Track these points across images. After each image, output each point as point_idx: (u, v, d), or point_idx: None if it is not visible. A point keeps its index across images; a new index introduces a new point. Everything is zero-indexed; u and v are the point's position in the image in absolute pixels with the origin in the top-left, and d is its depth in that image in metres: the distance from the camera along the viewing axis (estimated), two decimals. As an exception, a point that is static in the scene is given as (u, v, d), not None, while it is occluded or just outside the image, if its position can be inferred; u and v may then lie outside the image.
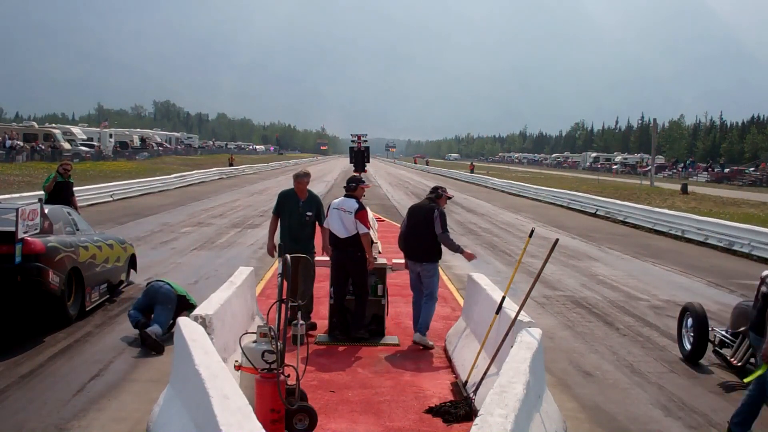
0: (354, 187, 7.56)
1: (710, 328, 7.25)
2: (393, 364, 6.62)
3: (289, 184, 8.07)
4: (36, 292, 7.01)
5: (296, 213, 7.64)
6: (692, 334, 7.31)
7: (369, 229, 7.53)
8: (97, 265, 8.58)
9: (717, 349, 7.26)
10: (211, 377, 3.79)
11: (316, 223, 7.77)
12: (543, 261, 5.34)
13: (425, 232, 7.23)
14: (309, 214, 7.67)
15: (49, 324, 7.45)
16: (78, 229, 8.69)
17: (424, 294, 7.32)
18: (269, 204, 26.58)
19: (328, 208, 7.55)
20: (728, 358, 6.97)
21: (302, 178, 7.73)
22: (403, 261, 7.88)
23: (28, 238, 7.10)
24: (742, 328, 6.84)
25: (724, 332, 7.25)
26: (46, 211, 7.88)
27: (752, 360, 6.59)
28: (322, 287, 8.65)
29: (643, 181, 48.06)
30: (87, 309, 8.15)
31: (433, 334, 7.66)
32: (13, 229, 6.89)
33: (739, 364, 6.76)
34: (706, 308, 7.48)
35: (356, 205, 7.37)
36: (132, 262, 10.22)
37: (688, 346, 7.38)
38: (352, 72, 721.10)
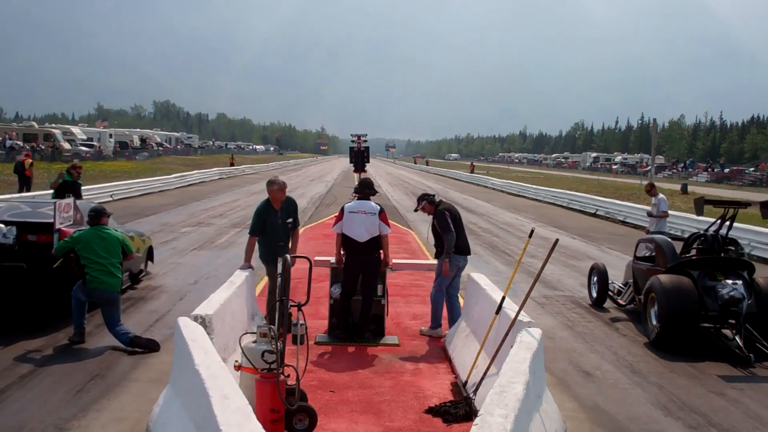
0: (371, 192, 7.53)
1: (610, 282, 9.84)
2: (393, 364, 6.61)
3: (289, 184, 8.00)
4: (70, 276, 7.47)
5: (276, 224, 7.28)
6: (596, 286, 9.87)
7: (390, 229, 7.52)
8: None
9: (613, 295, 9.70)
10: (211, 377, 3.79)
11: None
12: (543, 261, 5.33)
13: (464, 229, 7.73)
14: (290, 221, 7.39)
15: (62, 313, 7.66)
16: None
17: (457, 289, 7.76)
18: (269, 204, 26.59)
19: (341, 213, 7.39)
20: (618, 300, 9.58)
21: (275, 186, 7.28)
22: (403, 261, 7.90)
23: (64, 228, 8.01)
24: (630, 280, 9.42)
25: (619, 284, 9.90)
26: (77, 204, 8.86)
27: (633, 303, 9.19)
28: (322, 287, 8.65)
29: (643, 181, 47.87)
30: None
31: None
32: (51, 220, 7.91)
33: (624, 303, 9.45)
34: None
35: (378, 207, 7.38)
36: (150, 254, 10.95)
37: (594, 295, 9.92)
38: (352, 72, 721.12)
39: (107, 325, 7.09)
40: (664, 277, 7.85)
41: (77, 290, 7.13)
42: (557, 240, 5.77)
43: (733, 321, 7.54)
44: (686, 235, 9.48)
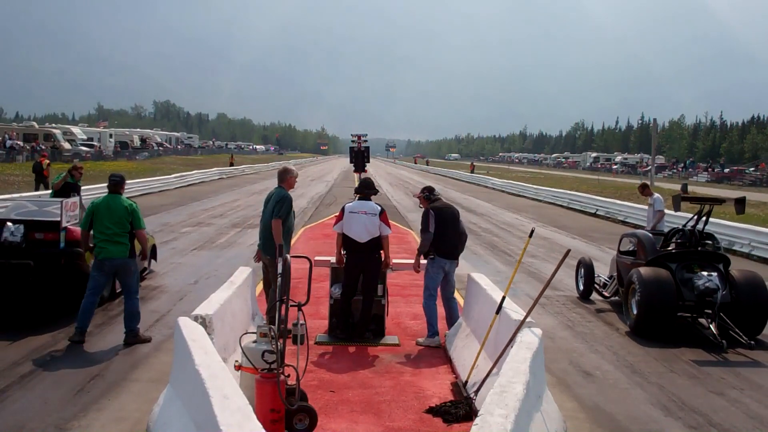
0: (372, 192, 7.51)
1: (597, 275, 10.23)
2: (393, 364, 6.62)
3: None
4: (76, 273, 7.67)
5: (292, 210, 7.52)
6: (583, 279, 10.22)
7: (391, 229, 7.50)
8: None
9: (598, 288, 10.12)
10: (211, 377, 3.79)
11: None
12: (555, 268, 5.16)
13: (457, 232, 7.45)
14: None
15: (67, 311, 7.79)
16: None
17: (451, 290, 7.55)
18: (269, 204, 26.58)
19: (342, 213, 7.38)
20: (603, 292, 10.03)
21: (295, 174, 7.68)
22: (404, 261, 7.87)
23: (70, 227, 8.27)
24: (614, 274, 9.83)
25: (605, 277, 10.30)
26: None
27: (617, 295, 9.57)
28: (322, 287, 8.65)
29: (643, 181, 48.12)
30: (116, 291, 8.67)
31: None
32: (57, 219, 8.10)
33: (609, 295, 9.94)
34: None
35: (378, 207, 7.36)
36: (153, 252, 11.09)
37: (581, 288, 10.27)
38: (352, 72, 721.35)
39: (124, 295, 7.30)
40: (644, 270, 8.30)
41: (93, 270, 7.20)
42: (569, 251, 5.61)
43: (708, 310, 7.96)
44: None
